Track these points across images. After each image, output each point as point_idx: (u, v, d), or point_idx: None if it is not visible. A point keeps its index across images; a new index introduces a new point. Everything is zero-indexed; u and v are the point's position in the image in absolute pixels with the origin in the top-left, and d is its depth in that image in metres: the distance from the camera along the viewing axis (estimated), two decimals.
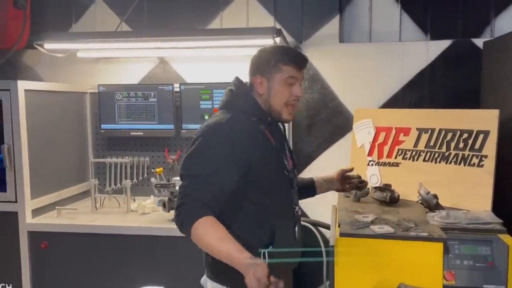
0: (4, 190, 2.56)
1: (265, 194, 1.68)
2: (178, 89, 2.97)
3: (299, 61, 1.70)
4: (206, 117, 2.93)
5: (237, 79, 1.79)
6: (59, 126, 2.83)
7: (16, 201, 2.56)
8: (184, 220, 1.52)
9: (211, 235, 1.49)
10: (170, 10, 3.10)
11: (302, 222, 2.79)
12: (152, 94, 3.00)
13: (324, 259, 2.80)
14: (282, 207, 1.74)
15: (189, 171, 1.59)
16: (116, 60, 3.18)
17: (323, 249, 2.84)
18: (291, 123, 2.97)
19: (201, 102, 2.94)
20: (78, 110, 3.08)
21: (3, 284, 2.61)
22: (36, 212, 2.63)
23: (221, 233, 1.49)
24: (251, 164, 1.62)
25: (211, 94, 2.92)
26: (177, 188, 2.46)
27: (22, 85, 2.53)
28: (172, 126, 3.00)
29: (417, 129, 2.38)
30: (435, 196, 2.04)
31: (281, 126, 1.86)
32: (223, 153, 1.57)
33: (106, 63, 3.22)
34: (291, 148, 1.97)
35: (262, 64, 1.71)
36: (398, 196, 2.21)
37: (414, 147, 2.38)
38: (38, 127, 2.65)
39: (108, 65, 3.21)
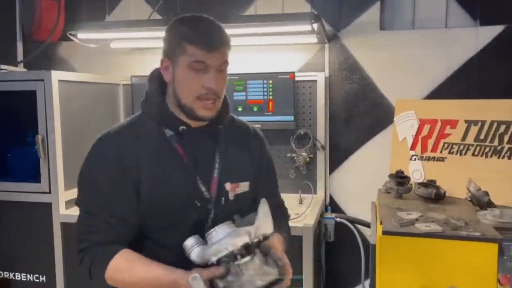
0: (38, 181, 2.56)
1: (164, 229, 1.30)
2: None
3: (207, 41, 1.22)
4: (240, 109, 2.85)
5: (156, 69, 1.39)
6: (92, 117, 2.81)
7: (50, 192, 2.55)
8: (95, 269, 1.25)
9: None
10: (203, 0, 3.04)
11: (339, 219, 2.72)
12: None
13: (363, 258, 2.68)
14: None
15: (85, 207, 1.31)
16: (150, 51, 3.12)
17: (361, 247, 2.71)
18: (327, 115, 2.85)
19: (234, 94, 2.84)
20: (111, 101, 3.05)
21: (37, 275, 2.62)
22: (70, 203, 2.62)
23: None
24: (139, 185, 1.27)
25: (245, 85, 2.83)
26: None
27: (56, 76, 2.51)
28: None
29: (466, 121, 2.26)
30: (487, 193, 1.92)
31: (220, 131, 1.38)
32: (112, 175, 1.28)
33: (140, 54, 3.18)
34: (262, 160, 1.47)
35: (168, 42, 1.29)
36: (444, 192, 2.09)
37: (462, 140, 2.26)
38: (72, 118, 2.63)
39: (142, 56, 3.17)
